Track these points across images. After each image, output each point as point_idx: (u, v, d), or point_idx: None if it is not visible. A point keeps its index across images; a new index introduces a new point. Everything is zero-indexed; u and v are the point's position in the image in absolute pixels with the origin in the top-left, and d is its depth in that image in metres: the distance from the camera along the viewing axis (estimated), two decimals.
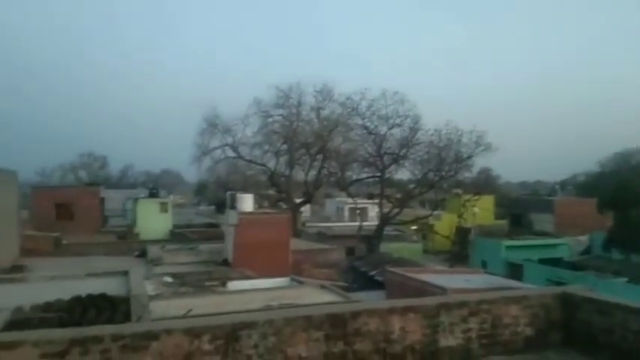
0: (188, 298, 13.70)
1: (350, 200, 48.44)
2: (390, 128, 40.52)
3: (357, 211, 45.52)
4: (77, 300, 11.14)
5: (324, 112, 43.11)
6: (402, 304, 5.23)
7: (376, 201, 44.36)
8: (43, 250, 25.28)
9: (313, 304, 11.20)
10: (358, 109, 40.70)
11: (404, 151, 40.93)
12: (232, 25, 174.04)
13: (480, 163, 43.47)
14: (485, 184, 52.90)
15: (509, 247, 35.49)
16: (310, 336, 4.22)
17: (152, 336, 3.37)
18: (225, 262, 22.67)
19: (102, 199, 37.32)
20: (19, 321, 9.82)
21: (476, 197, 47.50)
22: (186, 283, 17.41)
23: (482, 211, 49.62)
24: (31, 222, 31.00)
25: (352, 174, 44.65)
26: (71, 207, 33.06)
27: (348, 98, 40.86)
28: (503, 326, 5.86)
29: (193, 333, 3.54)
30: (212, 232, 32.04)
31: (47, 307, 11.10)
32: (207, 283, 17.61)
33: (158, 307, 10.80)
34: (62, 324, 9.53)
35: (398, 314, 5.00)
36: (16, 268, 20.01)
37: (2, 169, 22.04)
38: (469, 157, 40.21)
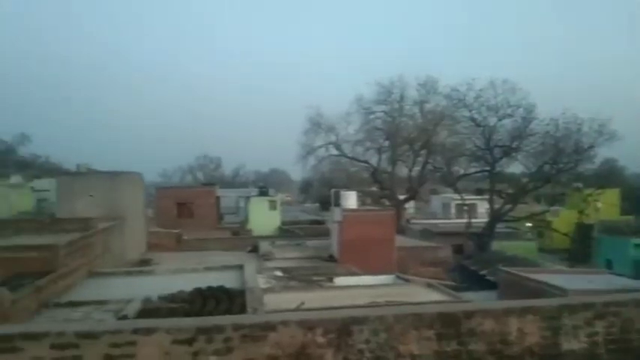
0: (297, 292, 14.14)
1: (457, 196, 46.84)
2: (500, 119, 38.43)
3: (465, 208, 43.88)
4: (198, 292, 11.99)
5: (428, 106, 42.13)
6: (519, 305, 4.95)
7: (486, 197, 42.40)
8: (166, 246, 27.45)
9: (421, 302, 11.00)
10: (465, 100, 39.17)
11: (516, 143, 38.57)
12: (334, 26, 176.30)
13: (603, 153, 39.80)
14: (609, 176, 48.34)
15: (638, 246, 32.10)
16: (422, 334, 4.16)
17: (269, 327, 3.53)
18: (331, 258, 23.06)
19: (217, 198, 39.83)
20: (149, 310, 10.79)
21: (599, 191, 43.51)
22: (294, 278, 17.97)
23: (606, 205, 45.32)
24: (155, 219, 33.89)
25: (459, 169, 43.07)
26: (191, 205, 35.69)
27: (453, 90, 39.53)
28: (636, 331, 5.31)
29: (307, 325, 3.66)
30: (317, 229, 32.73)
31: (172, 297, 12.08)
32: (314, 278, 18.02)
33: (271, 300, 11.27)
34: (185, 313, 10.25)
35: (515, 315, 4.74)
36: (144, 262, 22.01)
37: (131, 172, 24.36)
38: (590, 148, 36.88)
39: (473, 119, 39.60)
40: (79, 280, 14.34)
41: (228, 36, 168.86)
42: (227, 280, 13.90)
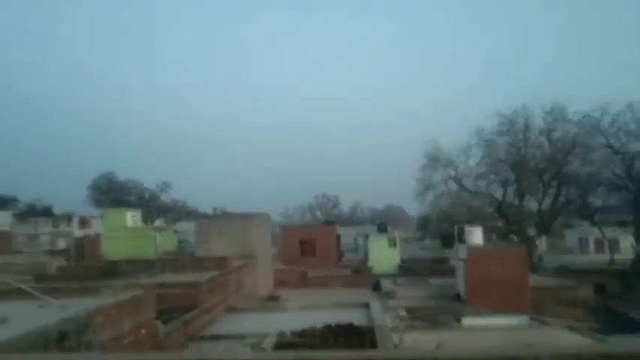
0: (424, 332, 13.77)
1: (595, 230, 42.63)
2: None
3: (606, 242, 39.70)
4: (328, 328, 12.27)
5: (557, 134, 39.46)
6: None
7: (630, 229, 38.10)
8: (291, 282, 28.36)
9: (562, 346, 10.13)
10: (599, 126, 36.13)
11: None
12: (449, 56, 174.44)
13: None
14: None
15: None
16: None
17: None
18: (457, 298, 22.16)
19: (338, 236, 40.57)
20: (284, 344, 11.28)
21: None
22: (419, 317, 17.53)
23: None
24: (279, 257, 35.32)
25: (596, 200, 39.40)
26: (313, 243, 36.75)
27: (585, 116, 36.72)
28: None
29: None
30: (439, 267, 31.70)
31: (303, 333, 12.50)
32: (440, 319, 17.44)
33: (399, 340, 11.13)
34: (317, 349, 10.48)
35: None
36: (273, 298, 22.99)
37: (259, 213, 25.91)
38: None
39: (610, 146, 36.29)
40: (218, 315, 15.43)
41: (340, 72, 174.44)
42: (353, 317, 14.03)
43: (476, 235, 24.37)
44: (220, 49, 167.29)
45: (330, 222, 52.29)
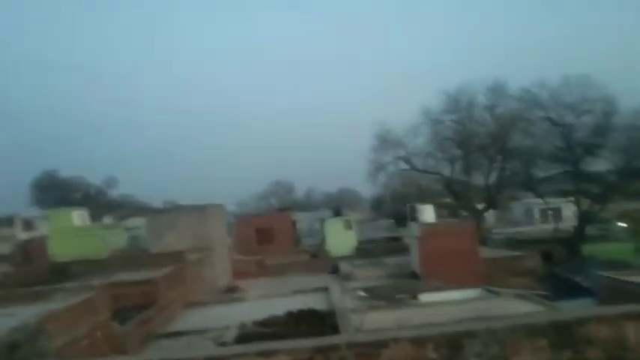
0: (384, 312, 14.07)
1: (539, 200, 44.69)
2: (578, 116, 36.60)
3: (550, 212, 41.75)
4: (290, 315, 12.33)
5: (499, 110, 40.89)
6: (636, 310, 4.71)
7: (571, 199, 40.21)
8: (249, 272, 28.25)
9: (515, 315, 10.60)
10: (539, 100, 37.66)
11: (599, 139, 36.50)
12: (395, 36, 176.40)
13: None
14: None
15: None
16: (534, 344, 4.09)
17: (382, 344, 3.64)
18: (412, 275, 22.73)
19: (294, 222, 40.61)
20: (246, 335, 11.22)
21: None
22: (378, 297, 17.87)
23: None
24: (235, 247, 35.05)
25: (539, 172, 41.24)
26: (270, 231, 36.66)
27: (525, 91, 38.16)
28: None
29: (418, 341, 3.73)
30: (394, 246, 32.38)
31: (265, 322, 12.49)
32: (398, 296, 17.84)
33: (360, 320, 11.31)
34: (280, 337, 10.52)
35: (632, 320, 4.52)
36: (232, 289, 22.82)
37: (214, 204, 25.52)
38: None
39: (549, 119, 37.94)
40: (177, 311, 15.18)
41: (288, 52, 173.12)
42: (314, 302, 14.16)
43: (427, 213, 25.02)
44: (149, 33, 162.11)
45: (285, 208, 52.24)
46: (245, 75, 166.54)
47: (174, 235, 22.19)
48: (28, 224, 58.10)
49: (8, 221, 60.34)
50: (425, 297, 16.93)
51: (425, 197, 41.20)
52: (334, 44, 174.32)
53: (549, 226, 38.66)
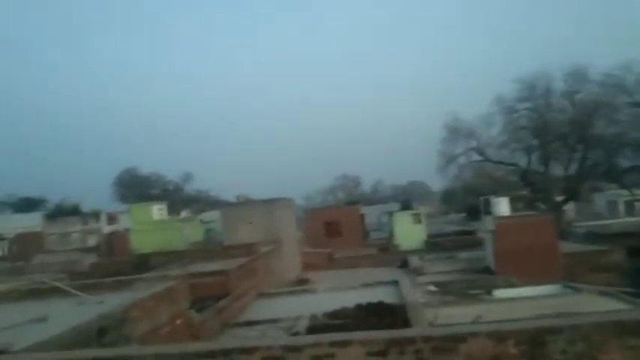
0: (456, 307, 13.71)
1: (625, 192, 41.68)
2: None
3: (636, 204, 38.85)
4: (360, 308, 12.32)
5: (579, 96, 38.47)
6: None
7: None
8: (318, 265, 28.52)
9: (600, 312, 9.97)
10: (623, 84, 35.05)
11: None
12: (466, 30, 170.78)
13: None
14: None
15: None
16: (625, 343, 3.80)
17: (459, 338, 3.53)
18: (486, 270, 21.98)
19: (362, 216, 40.55)
20: (317, 326, 11.36)
21: None
22: (450, 292, 17.46)
23: None
24: (304, 240, 35.50)
25: (624, 161, 38.43)
26: (338, 224, 36.85)
27: (608, 75, 35.62)
28: None
29: (498, 336, 3.58)
30: (466, 240, 31.46)
31: (335, 314, 12.57)
32: (471, 292, 17.34)
33: (432, 315, 11.09)
34: (350, 329, 10.53)
35: None
36: (302, 281, 23.17)
37: (283, 198, 26.00)
38: None
39: (635, 104, 35.23)
40: (250, 301, 15.63)
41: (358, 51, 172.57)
42: (383, 295, 14.04)
43: (502, 206, 24.03)
44: (232, 35, 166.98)
45: (353, 202, 52.24)
46: (312, 69, 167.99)
47: (246, 228, 22.85)
48: (112, 218, 62.18)
49: (95, 216, 64.91)
50: (500, 293, 16.34)
51: (499, 189, 39.72)
52: (400, 33, 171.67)
53: (636, 220, 35.92)
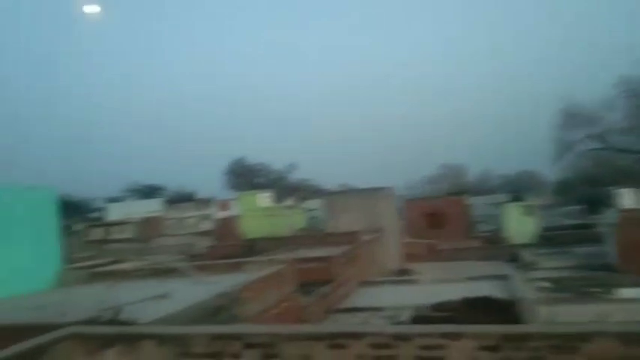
0: (573, 305, 12.78)
1: None
2: None
3: None
4: (465, 301, 11.95)
5: None
6: None
7: None
8: (420, 255, 28.01)
9: None
10: None
11: None
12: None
13: None
14: None
15: None
16: None
17: (584, 337, 3.27)
18: (606, 267, 20.20)
19: (467, 207, 39.12)
20: (421, 317, 11.21)
21: None
22: (566, 289, 16.34)
23: None
24: (405, 230, 35.03)
25: None
26: (441, 215, 35.91)
27: None
28: None
29: (629, 339, 3.24)
30: (584, 234, 29.06)
31: (440, 306, 12.31)
32: (590, 290, 16.08)
33: (546, 313, 10.43)
34: (455, 323, 10.22)
35: None
36: (403, 272, 22.95)
37: (384, 187, 25.87)
38: None
39: None
40: (352, 289, 15.82)
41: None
42: (491, 290, 13.47)
43: (627, 198, 21.82)
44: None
45: (458, 192, 50.54)
46: (420, 54, 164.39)
47: (348, 217, 23.09)
48: (223, 205, 66.05)
49: (207, 202, 69.38)
50: (625, 292, 14.96)
51: (623, 179, 36.12)
52: (511, 13, 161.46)
53: None
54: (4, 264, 10.81)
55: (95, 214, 75.05)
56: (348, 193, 28.20)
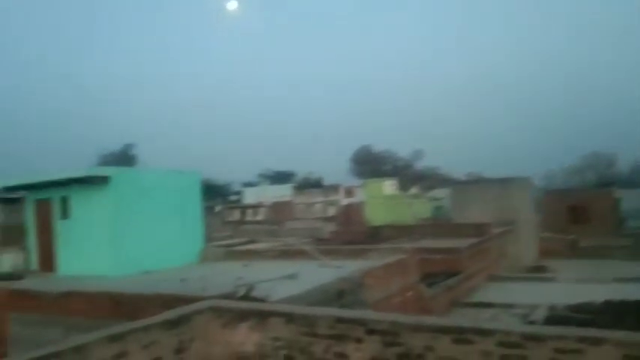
0: None
1: None
2: None
3: None
4: (608, 304, 10.80)
5: None
6: None
7: None
8: (558, 252, 25.86)
9: None
10: None
11: None
12: None
13: None
14: None
15: None
16: None
17: None
18: None
19: (616, 200, 35.12)
20: (556, 317, 10.38)
21: None
22: None
23: None
24: (542, 224, 32.50)
25: None
26: (585, 209, 32.68)
27: None
28: None
29: None
30: None
31: (578, 307, 11.27)
32: None
33: None
34: (594, 327, 9.31)
35: None
36: (538, 268, 21.38)
37: (519, 177, 24.25)
38: None
39: None
40: (480, 283, 15.16)
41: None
42: None
43: None
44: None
45: (606, 184, 45.64)
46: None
47: (477, 207, 22.09)
48: (348, 192, 67.26)
49: (334, 189, 71.21)
50: None
51: None
52: None
53: None
54: (159, 239, 12.19)
55: (233, 197, 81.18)
56: (477, 182, 26.95)
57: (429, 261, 13.70)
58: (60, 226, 12.61)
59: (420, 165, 75.53)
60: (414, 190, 54.89)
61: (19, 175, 13.72)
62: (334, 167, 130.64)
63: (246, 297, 7.14)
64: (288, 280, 8.91)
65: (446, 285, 12.27)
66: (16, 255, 16.99)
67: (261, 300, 6.79)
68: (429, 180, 68.07)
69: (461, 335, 3.62)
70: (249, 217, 62.40)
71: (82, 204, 12.10)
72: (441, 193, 45.33)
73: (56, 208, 12.67)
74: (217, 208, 59.73)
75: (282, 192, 68.63)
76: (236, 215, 63.99)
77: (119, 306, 7.39)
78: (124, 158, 63.96)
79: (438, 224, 26.07)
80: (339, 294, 8.11)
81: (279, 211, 57.47)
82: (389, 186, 42.89)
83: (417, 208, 38.93)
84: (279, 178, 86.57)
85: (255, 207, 64.53)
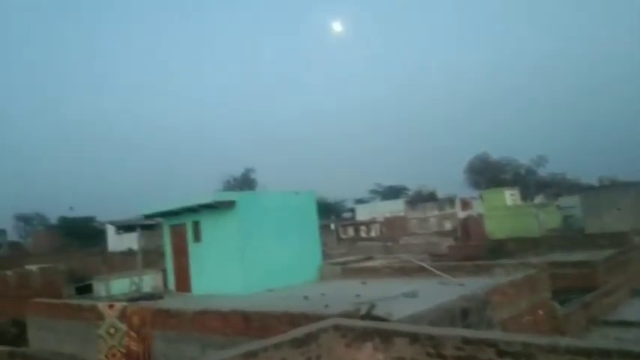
0: None
1: None
2: None
3: None
4: None
5: None
6: None
7: None
8: None
9: None
10: None
11: None
12: None
13: None
14: None
15: None
16: None
17: None
18: None
19: None
20: None
21: None
22: None
23: None
24: None
25: None
26: None
27: None
28: None
29: None
30: None
31: None
32: None
33: None
34: None
35: None
36: None
37: None
38: None
39: None
40: (621, 299, 13.69)
41: None
42: None
43: None
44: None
45: None
46: None
47: (613, 215, 20.05)
48: (465, 204, 64.69)
49: (450, 202, 68.94)
50: None
51: None
52: None
53: None
54: (281, 258, 12.76)
55: (346, 215, 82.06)
56: (612, 187, 24.44)
57: (560, 276, 12.71)
58: (193, 249, 13.73)
59: (544, 172, 70.24)
60: (539, 199, 51.20)
61: (156, 203, 15.23)
62: (448, 179, 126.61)
63: (368, 315, 7.17)
64: (408, 298, 8.79)
65: (581, 302, 11.26)
66: (156, 276, 18.81)
67: (383, 319, 6.78)
68: (555, 187, 63.03)
69: (604, 358, 3.33)
70: (363, 234, 62.62)
71: (211, 227, 13.09)
72: (569, 201, 41.72)
73: (189, 232, 13.84)
74: (332, 226, 60.81)
75: (395, 207, 67.94)
76: (350, 232, 64.58)
77: (250, 323, 7.83)
78: (245, 182, 67.83)
79: (569, 235, 24.02)
80: (464, 313, 7.82)
81: (393, 226, 56.93)
82: (510, 196, 40.52)
83: (543, 218, 36.19)
84: (391, 192, 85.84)
85: (369, 223, 64.61)
